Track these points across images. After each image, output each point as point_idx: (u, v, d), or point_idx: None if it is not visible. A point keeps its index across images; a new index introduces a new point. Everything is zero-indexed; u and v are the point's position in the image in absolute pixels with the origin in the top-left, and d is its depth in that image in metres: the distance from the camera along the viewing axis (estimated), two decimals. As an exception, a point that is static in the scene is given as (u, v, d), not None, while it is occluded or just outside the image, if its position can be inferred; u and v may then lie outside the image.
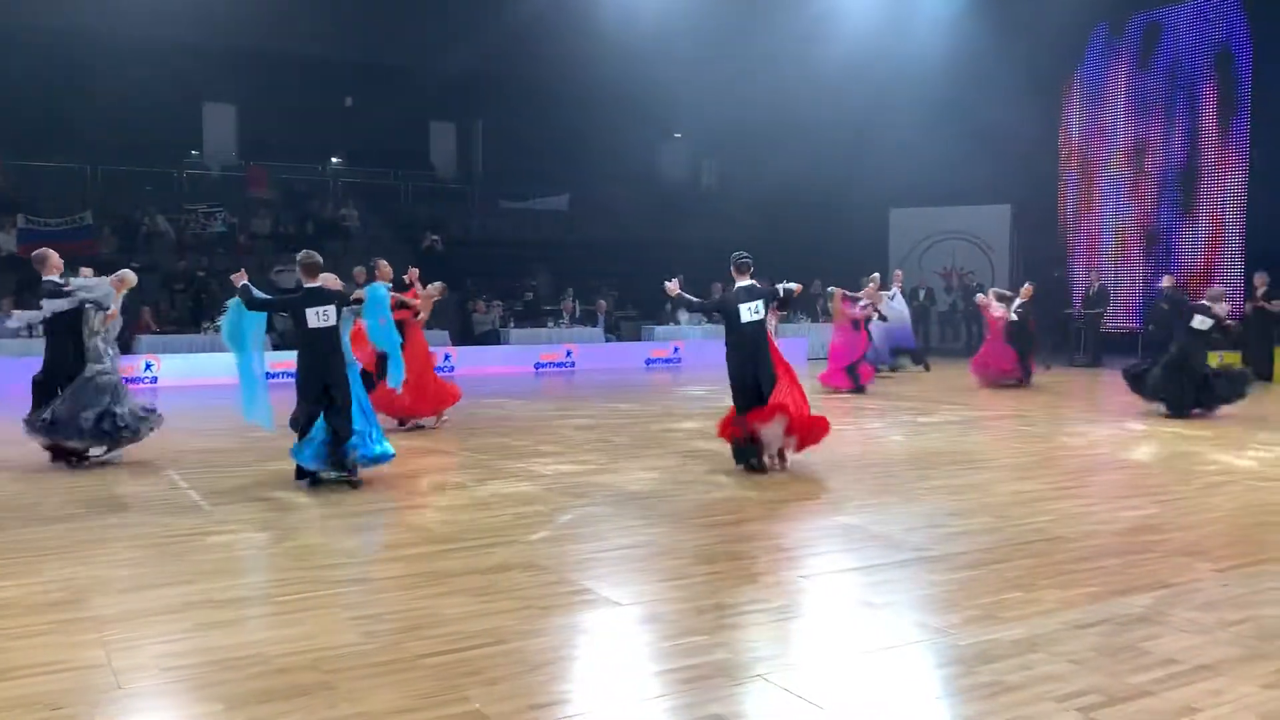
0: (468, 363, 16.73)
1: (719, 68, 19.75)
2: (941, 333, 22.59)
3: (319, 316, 7.33)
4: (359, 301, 7.67)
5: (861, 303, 14.43)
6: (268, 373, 8.07)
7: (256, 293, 7.57)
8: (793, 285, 8.31)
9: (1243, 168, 18.95)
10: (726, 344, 8.12)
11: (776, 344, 8.33)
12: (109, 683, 3.79)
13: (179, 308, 18.08)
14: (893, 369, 17.00)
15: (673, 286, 8.45)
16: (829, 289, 14.90)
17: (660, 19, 18.82)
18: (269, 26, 18.66)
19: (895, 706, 3.66)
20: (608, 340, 19.40)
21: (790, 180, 21.94)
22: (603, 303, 20.05)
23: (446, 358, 16.94)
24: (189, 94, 21.47)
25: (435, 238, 20.40)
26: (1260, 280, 16.20)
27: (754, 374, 7.96)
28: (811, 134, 20.96)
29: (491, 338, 18.80)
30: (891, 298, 17.03)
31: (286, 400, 7.56)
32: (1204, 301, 11.69)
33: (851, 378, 13.97)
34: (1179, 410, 11.28)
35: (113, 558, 5.51)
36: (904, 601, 4.88)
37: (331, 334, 7.41)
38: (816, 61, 19.54)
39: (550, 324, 19.29)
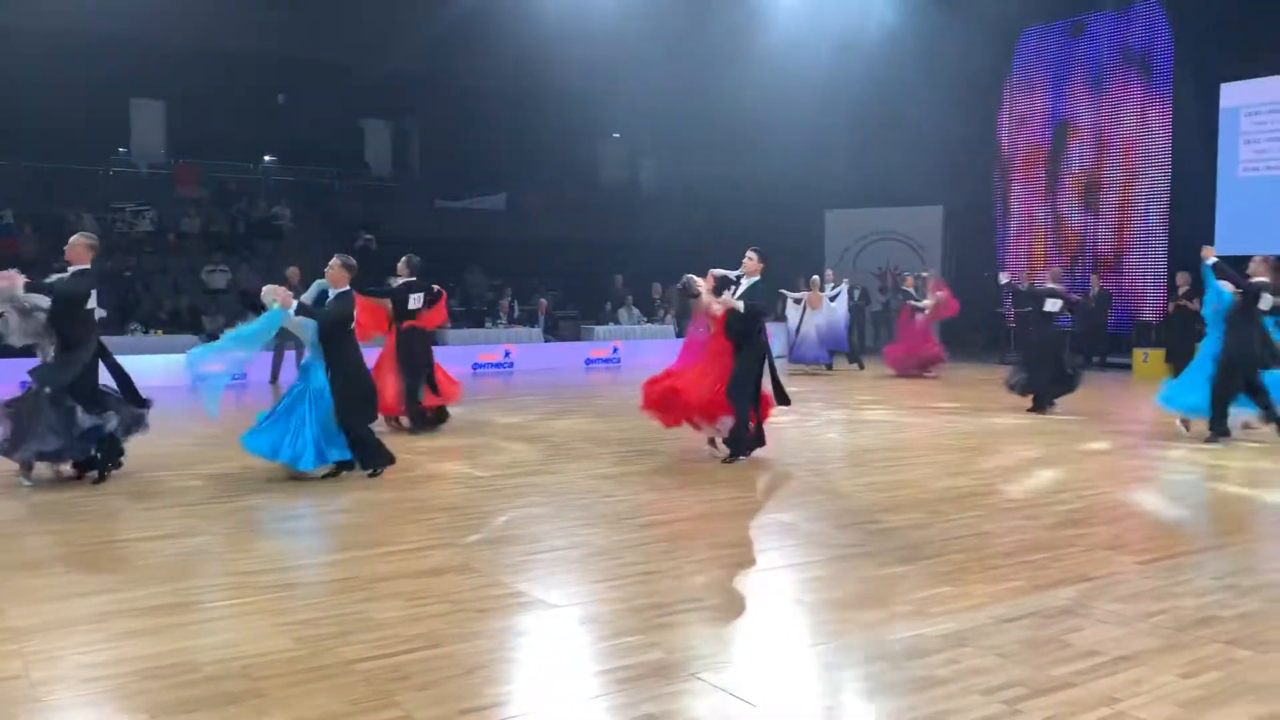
0: (404, 363, 16.52)
1: (658, 69, 19.78)
2: (876, 332, 22.88)
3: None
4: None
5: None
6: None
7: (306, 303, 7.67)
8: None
9: (1165, 171, 19.49)
10: (756, 340, 8.27)
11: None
12: (27, 695, 3.68)
13: (105, 308, 17.64)
14: (828, 367, 17.28)
15: (724, 302, 8.24)
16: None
17: (599, 19, 18.81)
18: (199, 20, 18.26)
19: (827, 702, 3.70)
20: (546, 340, 19.34)
21: (728, 181, 22.08)
22: (544, 302, 19.96)
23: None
24: (116, 89, 20.92)
25: (369, 237, 20.12)
26: (1182, 280, 16.68)
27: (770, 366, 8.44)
28: (749, 135, 21.09)
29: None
30: (832, 299, 17.32)
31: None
32: (1049, 284, 11.87)
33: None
34: (1040, 404, 11.52)
35: (31, 566, 5.36)
36: (837, 598, 4.94)
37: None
38: (755, 63, 19.66)
39: (488, 324, 19.17)
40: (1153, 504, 7.07)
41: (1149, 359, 16.95)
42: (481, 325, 19.13)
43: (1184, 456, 8.96)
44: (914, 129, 19.83)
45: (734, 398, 8.16)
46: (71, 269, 7.48)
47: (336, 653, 4.07)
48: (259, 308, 7.64)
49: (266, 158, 23.89)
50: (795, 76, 19.55)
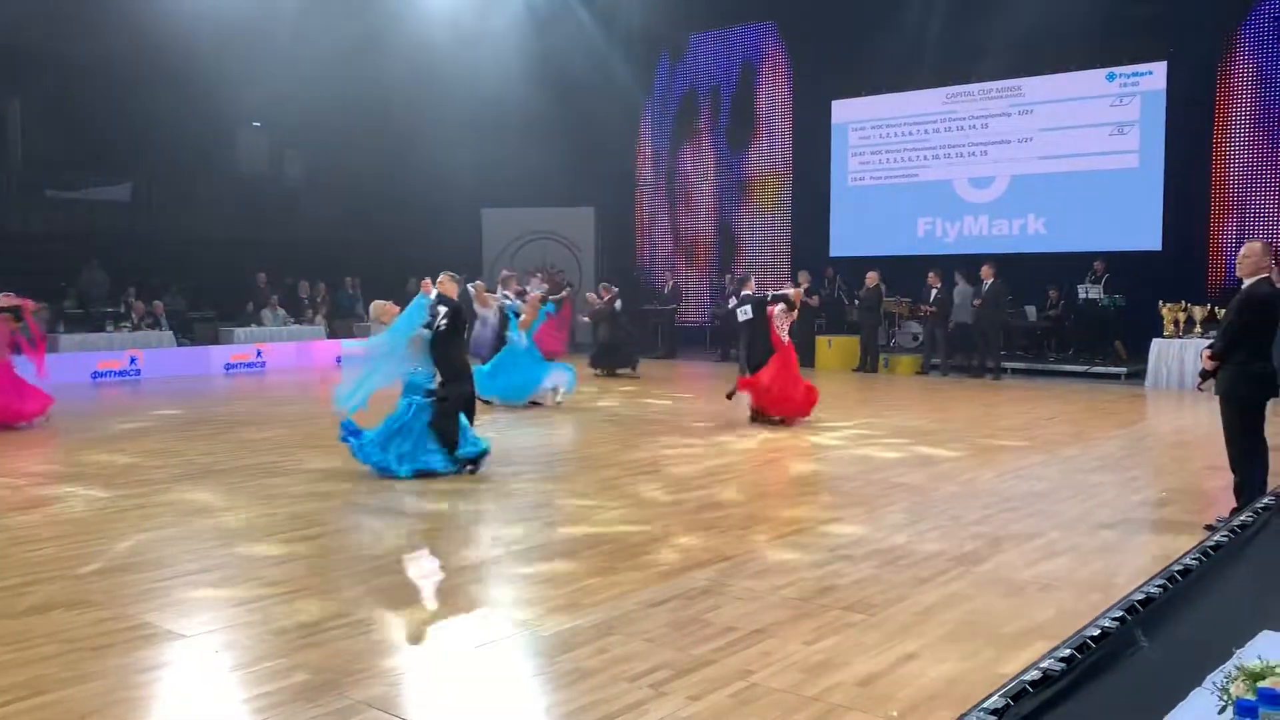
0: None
1: (302, 54, 18.79)
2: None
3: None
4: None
5: None
6: None
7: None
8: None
9: (789, 179, 21.37)
10: None
11: None
12: None
13: None
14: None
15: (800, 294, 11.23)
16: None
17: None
18: None
19: (480, 706, 3.67)
20: (180, 344, 17.81)
21: (380, 176, 21.48)
22: (159, 304, 18.10)
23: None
24: None
25: (-40, 231, 17.57)
26: (804, 278, 18.32)
27: None
28: (404, 129, 20.64)
29: (34, 344, 16.52)
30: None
31: None
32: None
33: None
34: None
35: None
36: (492, 598, 4.93)
37: None
38: (408, 56, 19.23)
39: (110, 328, 17.32)
40: (785, 482, 7.69)
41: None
42: (102, 329, 17.26)
43: (808, 441, 9.84)
44: (567, 131, 20.33)
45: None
46: None
47: (-91, 717, 3.49)
48: None
49: None
50: (450, 72, 19.40)
